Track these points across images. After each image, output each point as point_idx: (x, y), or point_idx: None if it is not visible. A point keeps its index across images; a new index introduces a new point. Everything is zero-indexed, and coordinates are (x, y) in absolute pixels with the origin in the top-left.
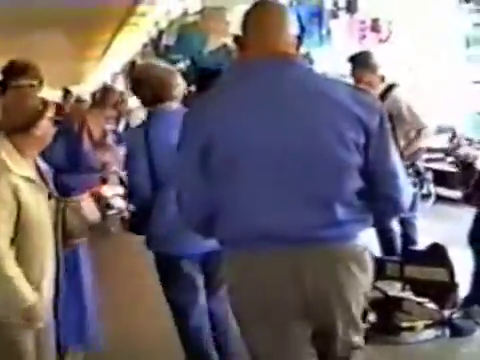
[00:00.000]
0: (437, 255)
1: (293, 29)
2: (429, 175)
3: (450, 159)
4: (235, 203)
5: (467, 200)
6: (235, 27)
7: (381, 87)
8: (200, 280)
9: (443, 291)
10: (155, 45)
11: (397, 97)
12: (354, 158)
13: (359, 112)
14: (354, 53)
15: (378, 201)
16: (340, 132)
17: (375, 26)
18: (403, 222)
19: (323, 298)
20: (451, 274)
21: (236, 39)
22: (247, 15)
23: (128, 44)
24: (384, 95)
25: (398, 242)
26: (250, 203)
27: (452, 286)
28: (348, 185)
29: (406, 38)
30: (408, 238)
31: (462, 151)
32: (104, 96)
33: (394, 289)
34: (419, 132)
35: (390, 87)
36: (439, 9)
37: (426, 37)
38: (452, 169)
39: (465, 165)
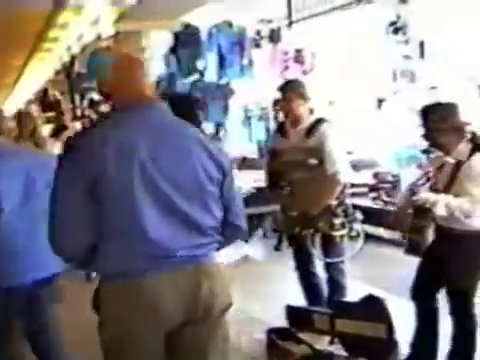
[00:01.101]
0: (373, 308)
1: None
2: (358, 214)
3: (373, 195)
4: (124, 231)
5: (413, 251)
6: (150, 52)
7: (309, 121)
8: None
9: (380, 349)
10: (67, 72)
11: (326, 133)
12: (217, 193)
13: (217, 154)
14: (286, 81)
15: (227, 227)
16: (208, 170)
17: (298, 57)
18: (329, 266)
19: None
20: (389, 330)
21: (100, 90)
22: (111, 67)
23: (41, 71)
24: (312, 129)
25: (324, 288)
26: (140, 230)
27: (390, 343)
28: (217, 214)
29: (330, 70)
30: (336, 284)
31: (415, 191)
32: (19, 123)
33: (322, 342)
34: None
35: (318, 121)
36: (367, 40)
37: (352, 69)
38: (377, 206)
39: (420, 210)
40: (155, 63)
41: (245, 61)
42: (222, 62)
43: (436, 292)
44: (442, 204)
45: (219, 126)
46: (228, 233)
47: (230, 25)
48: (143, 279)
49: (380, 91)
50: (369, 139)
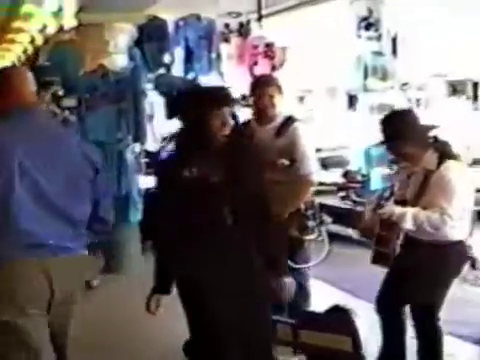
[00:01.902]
0: (339, 320)
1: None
2: (326, 217)
3: (342, 194)
4: (11, 220)
5: (379, 261)
6: (114, 45)
7: (279, 119)
8: None
9: None
10: (31, 65)
11: (297, 132)
12: (89, 188)
13: (89, 153)
14: (262, 75)
15: (96, 221)
16: (81, 168)
17: (268, 51)
18: (294, 271)
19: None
20: (355, 343)
21: None
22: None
23: (6, 62)
24: (282, 128)
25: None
26: (23, 220)
27: (356, 357)
28: (88, 209)
29: (301, 65)
30: (300, 289)
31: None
32: None
33: (285, 353)
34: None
35: (289, 119)
36: (338, 36)
37: (323, 64)
38: (346, 206)
39: (386, 223)
40: (119, 57)
41: (213, 55)
42: (189, 56)
43: (402, 304)
44: (409, 217)
45: None
46: (97, 227)
47: (198, 18)
48: (14, 263)
49: (351, 88)
50: (339, 137)
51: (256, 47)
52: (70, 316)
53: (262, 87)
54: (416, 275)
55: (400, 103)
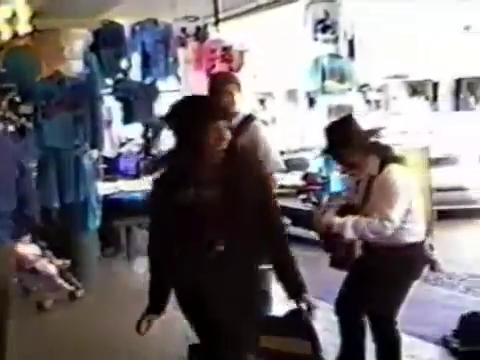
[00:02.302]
0: (297, 323)
1: None
2: (286, 220)
3: (302, 196)
4: None
5: (337, 265)
6: (70, 51)
7: (238, 118)
8: None
9: None
10: None
11: (257, 130)
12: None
13: (18, 154)
14: (221, 72)
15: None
16: (9, 167)
17: (226, 55)
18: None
19: None
20: (314, 346)
21: None
22: None
23: None
24: (242, 127)
25: None
26: None
27: None
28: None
29: (260, 68)
30: (262, 294)
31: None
32: None
33: None
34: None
35: (248, 118)
36: (296, 38)
37: (283, 67)
38: (306, 208)
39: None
40: (75, 62)
41: (170, 60)
42: (146, 61)
43: (361, 307)
44: (349, 226)
45: (148, 127)
46: (22, 221)
47: (155, 23)
48: None
49: (311, 90)
50: (300, 139)
51: (213, 51)
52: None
53: (221, 84)
54: (374, 278)
55: (359, 105)
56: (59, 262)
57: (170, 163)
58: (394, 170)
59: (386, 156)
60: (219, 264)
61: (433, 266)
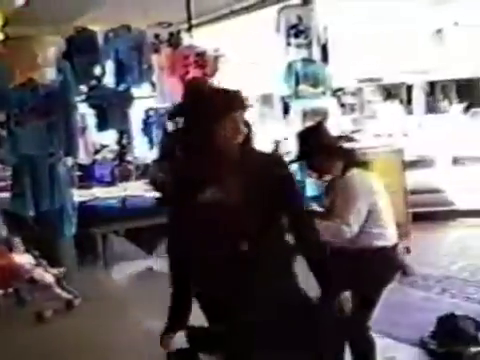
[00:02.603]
0: None
1: None
2: None
3: None
4: None
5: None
6: (42, 59)
7: None
8: None
9: None
10: None
11: None
12: None
13: None
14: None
15: None
16: None
17: (199, 61)
18: None
19: None
20: None
21: None
22: None
23: None
24: None
25: None
26: None
27: None
28: None
29: (234, 73)
30: None
31: None
32: None
33: None
34: None
35: None
36: (270, 43)
37: (258, 72)
38: None
39: None
40: (48, 70)
41: (144, 66)
42: (120, 68)
43: None
44: None
45: (122, 134)
46: None
47: (128, 29)
48: None
49: (285, 95)
50: (274, 144)
51: (187, 57)
52: None
53: (197, 91)
54: (343, 283)
55: (333, 109)
56: (55, 271)
57: (185, 160)
58: (354, 174)
59: (349, 160)
60: (244, 264)
61: (405, 271)
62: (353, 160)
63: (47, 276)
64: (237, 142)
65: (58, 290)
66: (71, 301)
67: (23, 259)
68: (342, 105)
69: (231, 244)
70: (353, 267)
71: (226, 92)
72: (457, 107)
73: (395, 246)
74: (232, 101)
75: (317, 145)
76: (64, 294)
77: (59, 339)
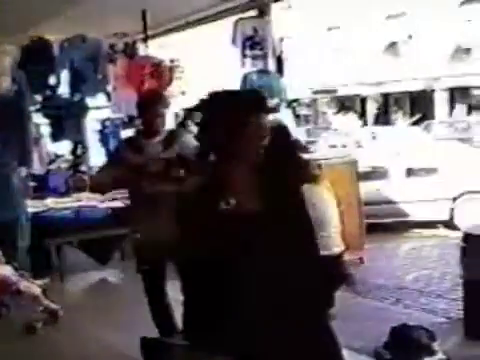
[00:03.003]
0: None
1: None
2: None
3: None
4: None
5: None
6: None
7: (164, 133)
8: None
9: None
10: None
11: (188, 142)
12: None
13: None
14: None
15: None
16: None
17: (155, 72)
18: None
19: None
20: None
21: None
22: None
23: None
24: (170, 140)
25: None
26: None
27: None
28: None
29: (191, 84)
30: None
31: None
32: None
33: None
34: None
35: (173, 132)
36: (226, 55)
37: (213, 83)
38: None
39: None
40: (3, 79)
41: (100, 76)
42: (75, 78)
43: None
44: None
45: (77, 144)
46: None
47: (83, 39)
48: None
49: None
50: None
51: (143, 67)
52: None
53: (152, 103)
54: None
55: (288, 120)
56: (39, 282)
57: (205, 166)
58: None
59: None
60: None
61: (348, 281)
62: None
63: (34, 287)
64: (263, 145)
65: (46, 301)
66: (57, 312)
67: (6, 271)
68: (297, 116)
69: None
70: None
71: (249, 95)
72: (411, 119)
73: (339, 256)
74: (256, 103)
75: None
76: (52, 305)
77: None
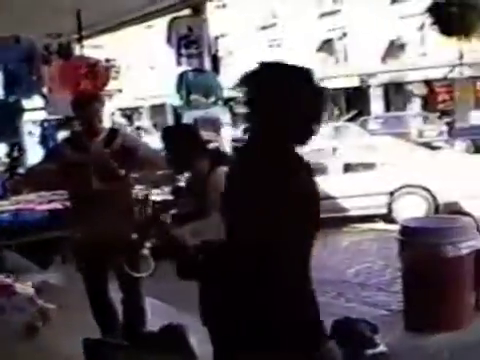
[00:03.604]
0: (172, 338)
1: None
2: None
3: (173, 211)
4: None
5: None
6: None
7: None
8: None
9: None
10: None
11: (127, 136)
12: None
13: None
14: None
15: None
16: None
17: (91, 72)
18: (131, 289)
19: None
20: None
21: None
22: None
23: None
24: (111, 139)
25: (118, 314)
26: None
27: None
28: None
29: (129, 84)
30: (136, 308)
31: None
32: None
33: None
34: None
35: (114, 131)
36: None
37: (151, 82)
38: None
39: None
40: None
41: (34, 78)
42: (9, 79)
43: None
44: (188, 232)
45: (13, 146)
46: None
47: (17, 40)
48: None
49: (176, 105)
50: None
51: (78, 68)
52: None
53: (88, 101)
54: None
55: (225, 118)
56: (28, 283)
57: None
58: (222, 172)
59: (215, 159)
60: None
61: None
62: (220, 158)
63: (27, 288)
64: None
65: (40, 301)
66: (48, 312)
67: None
68: (234, 115)
69: None
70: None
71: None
72: (347, 115)
73: None
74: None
75: (182, 142)
76: (48, 304)
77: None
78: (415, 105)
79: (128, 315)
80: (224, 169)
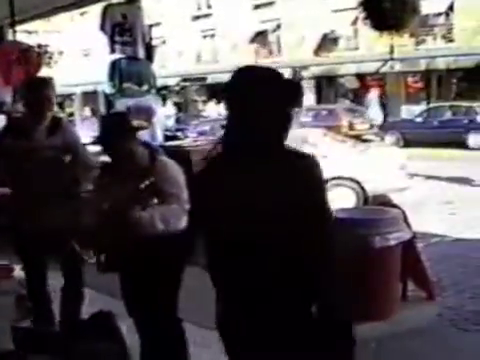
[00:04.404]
0: (104, 326)
1: None
2: None
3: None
4: None
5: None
6: None
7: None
8: None
9: None
10: None
11: (70, 129)
12: None
13: None
14: (39, 79)
15: None
16: None
17: (23, 58)
18: (67, 272)
19: None
20: (122, 348)
21: None
22: None
23: None
24: (55, 127)
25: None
26: None
27: None
28: None
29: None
30: (71, 293)
31: None
32: None
33: None
34: None
35: (58, 119)
36: (98, 41)
37: (84, 69)
38: None
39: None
40: None
41: None
42: None
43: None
44: (157, 218)
45: None
46: None
47: None
48: None
49: (109, 92)
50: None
51: (10, 54)
52: None
53: (42, 85)
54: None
55: (158, 107)
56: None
57: None
58: (170, 162)
59: (153, 149)
60: None
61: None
62: (157, 150)
63: (21, 289)
64: None
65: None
66: None
67: None
68: (166, 104)
69: None
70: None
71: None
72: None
73: None
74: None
75: (116, 127)
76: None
77: None
78: (346, 99)
79: (65, 303)
80: (171, 162)
